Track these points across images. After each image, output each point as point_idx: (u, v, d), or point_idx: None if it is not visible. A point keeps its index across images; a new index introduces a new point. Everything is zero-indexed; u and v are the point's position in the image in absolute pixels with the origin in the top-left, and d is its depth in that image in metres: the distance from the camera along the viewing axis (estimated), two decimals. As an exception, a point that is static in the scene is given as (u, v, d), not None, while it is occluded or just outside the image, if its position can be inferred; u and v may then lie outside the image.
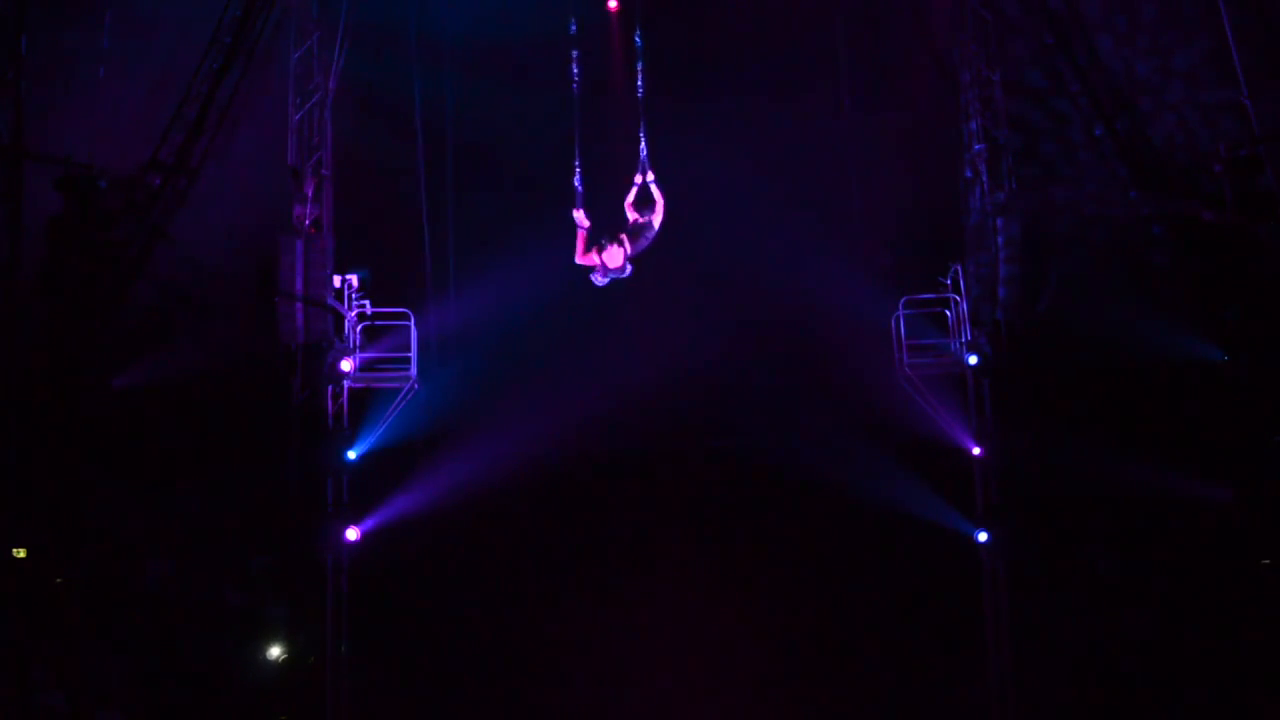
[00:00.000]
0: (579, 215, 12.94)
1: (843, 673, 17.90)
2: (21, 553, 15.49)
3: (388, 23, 18.26)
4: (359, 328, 17.73)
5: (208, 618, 17.13)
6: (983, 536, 17.37)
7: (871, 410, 18.04)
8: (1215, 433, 16.71)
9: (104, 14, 17.00)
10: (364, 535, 17.35)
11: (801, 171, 18.47)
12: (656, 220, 13.21)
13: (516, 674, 18.01)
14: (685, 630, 18.09)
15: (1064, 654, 16.92)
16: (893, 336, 17.62)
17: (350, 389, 17.66)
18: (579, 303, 14.84)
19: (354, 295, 17.68)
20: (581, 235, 12.92)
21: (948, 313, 17.83)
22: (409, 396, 17.65)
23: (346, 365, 17.34)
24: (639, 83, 14.14)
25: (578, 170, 13.32)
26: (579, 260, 13.04)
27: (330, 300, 17.16)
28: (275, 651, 16.90)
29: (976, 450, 17.48)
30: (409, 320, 17.69)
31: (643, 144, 13.44)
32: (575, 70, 14.21)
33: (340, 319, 17.48)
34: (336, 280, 17.41)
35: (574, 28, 14.41)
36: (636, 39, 14.37)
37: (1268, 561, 16.25)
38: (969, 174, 17.78)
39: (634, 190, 13.34)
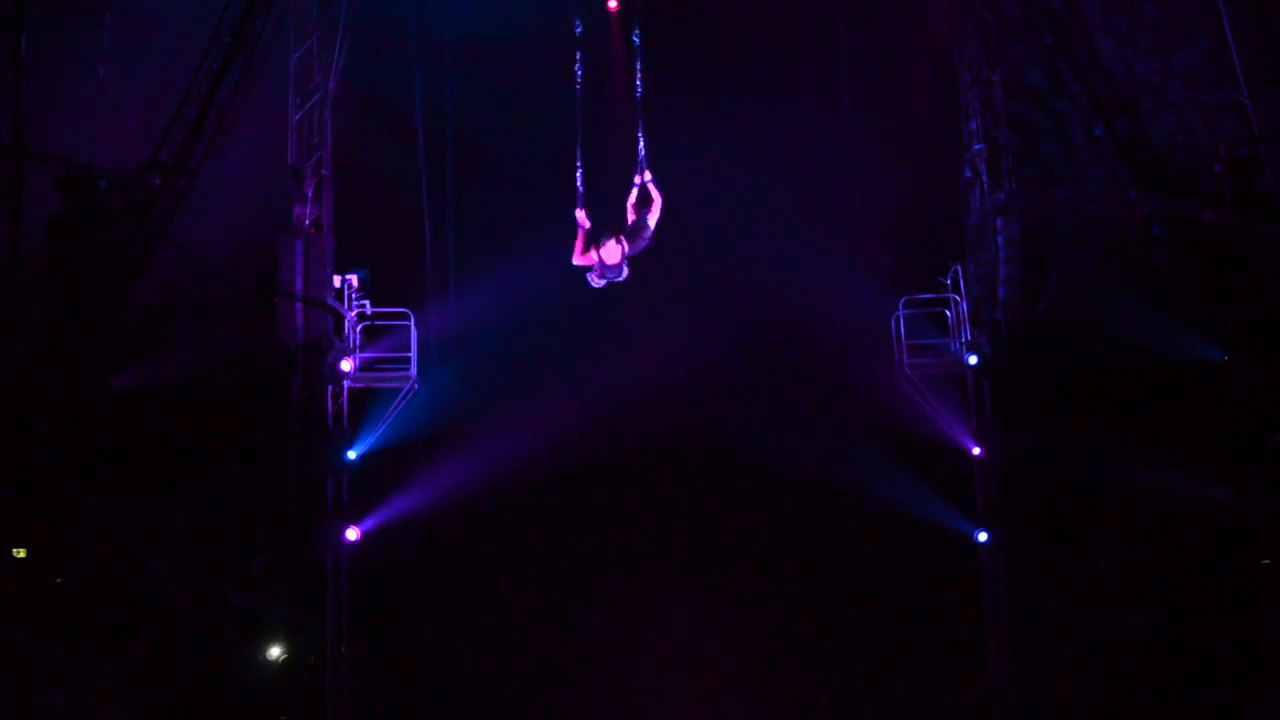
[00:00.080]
0: (580, 215, 12.96)
1: (843, 672, 17.90)
2: (21, 553, 15.49)
3: (388, 23, 18.25)
4: (359, 328, 17.74)
5: (208, 618, 17.13)
6: (983, 536, 17.37)
7: (871, 410, 18.04)
8: (1215, 433, 16.71)
9: (104, 14, 16.99)
10: (364, 535, 17.35)
11: (801, 171, 18.46)
12: (652, 220, 13.21)
13: (516, 674, 18.01)
14: (685, 629, 18.08)
15: (1064, 654, 16.92)
16: (893, 336, 17.62)
17: (350, 389, 17.66)
18: (579, 303, 14.83)
19: (354, 295, 17.69)
20: (581, 235, 12.93)
21: (948, 313, 17.83)
22: (409, 396, 17.65)
23: (346, 365, 17.34)
24: (638, 82, 14.14)
25: (579, 170, 13.33)
26: (576, 261, 13.05)
27: (330, 300, 17.16)
28: (275, 651, 16.91)
29: (976, 450, 17.48)
30: (409, 320, 17.69)
31: (641, 143, 13.44)
32: (579, 71, 14.20)
33: (340, 319, 17.48)
34: (336, 280, 17.41)
35: (579, 29, 14.40)
36: (636, 39, 14.37)
37: (1268, 561, 16.24)
38: (969, 174, 17.78)
39: (635, 190, 13.35)
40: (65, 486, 15.92)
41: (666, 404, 18.38)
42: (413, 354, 17.62)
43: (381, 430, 17.67)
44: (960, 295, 17.77)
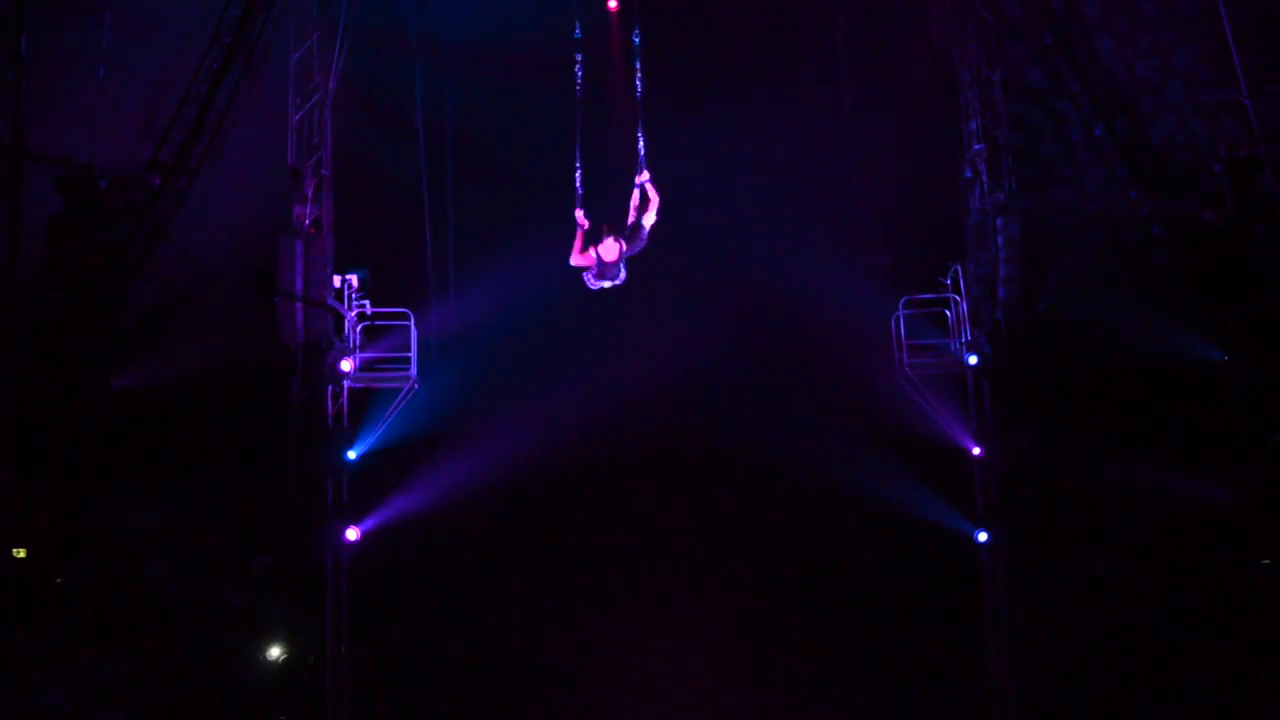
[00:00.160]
0: (579, 215, 12.98)
1: (843, 672, 17.90)
2: (21, 553, 15.49)
3: (388, 23, 18.26)
4: (359, 328, 17.74)
5: (208, 618, 17.13)
6: (983, 536, 17.36)
7: (871, 410, 18.03)
8: (1215, 433, 16.70)
9: (104, 14, 16.99)
10: (364, 535, 17.35)
11: (801, 171, 18.46)
12: (648, 220, 13.22)
13: (516, 674, 18.01)
14: (684, 629, 18.09)
15: (1064, 654, 16.92)
16: (893, 336, 17.62)
17: (350, 389, 17.66)
18: (579, 303, 14.84)
19: (354, 295, 17.69)
20: (580, 235, 12.94)
21: (948, 313, 17.83)
22: (409, 396, 17.65)
23: (346, 365, 17.34)
24: (638, 82, 14.14)
25: (578, 170, 13.35)
26: (574, 261, 13.08)
27: (330, 300, 17.17)
28: (275, 651, 16.91)
29: (976, 450, 17.48)
30: (409, 320, 17.68)
31: (641, 143, 13.45)
32: (579, 73, 14.20)
33: (340, 319, 17.48)
34: (336, 280, 17.42)
35: (579, 32, 14.41)
36: (636, 39, 14.37)
37: (1268, 561, 16.24)
38: (969, 174, 17.78)
39: (636, 191, 13.36)
40: (65, 486, 15.91)
41: (666, 404, 18.39)
42: (413, 354, 17.62)
43: (381, 430, 17.66)
44: (960, 295, 17.76)
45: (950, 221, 18.06)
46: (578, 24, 14.41)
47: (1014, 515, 17.13)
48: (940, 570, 17.85)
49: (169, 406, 17.37)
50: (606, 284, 13.22)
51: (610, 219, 13.29)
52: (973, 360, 17.44)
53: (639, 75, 14.20)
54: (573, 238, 13.06)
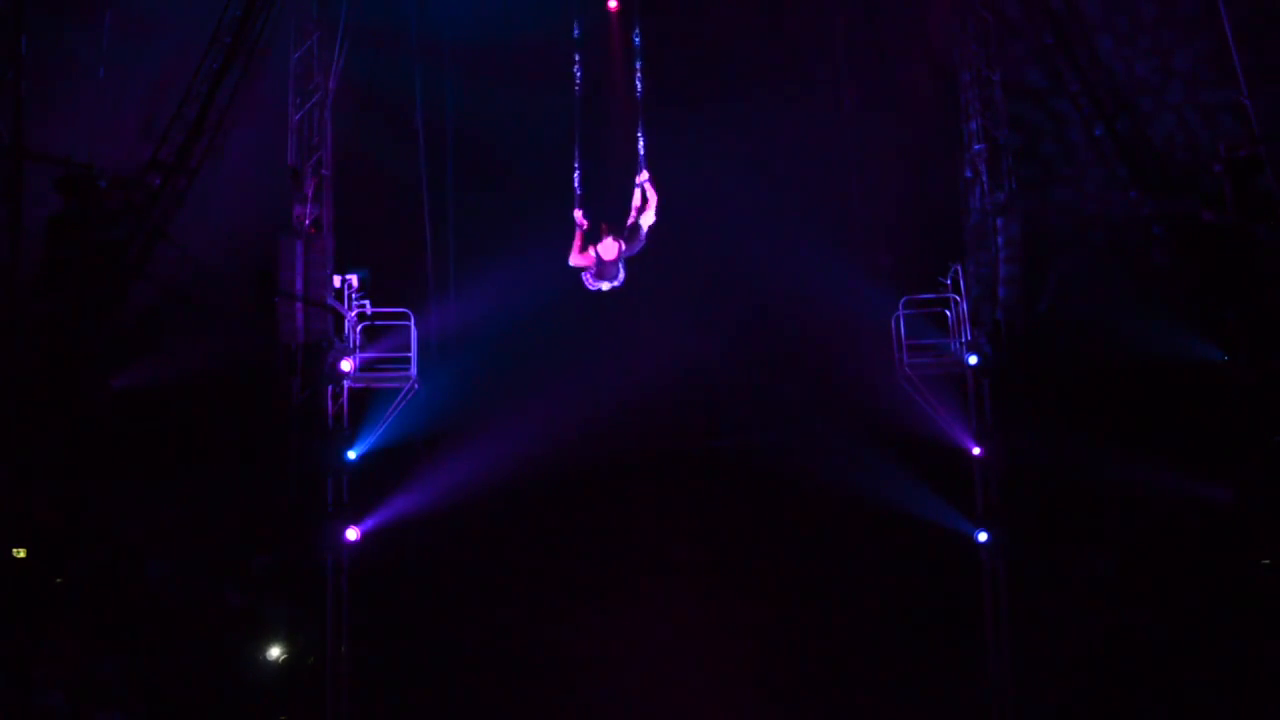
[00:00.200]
0: (578, 215, 13.00)
1: (843, 672, 17.90)
2: (21, 553, 15.49)
3: (388, 23, 18.27)
4: (359, 328, 17.73)
5: (208, 618, 17.13)
6: (983, 536, 17.36)
7: (871, 410, 18.04)
8: (1215, 433, 16.70)
9: (104, 14, 16.98)
10: (364, 535, 17.35)
11: (801, 171, 18.47)
12: (645, 220, 13.23)
13: (516, 674, 18.01)
14: (684, 629, 18.09)
15: (1064, 654, 16.92)
16: (893, 336, 17.61)
17: (350, 389, 17.66)
18: (579, 303, 14.85)
19: (354, 295, 17.68)
20: (579, 235, 12.96)
21: (948, 313, 17.83)
22: (409, 396, 17.65)
23: (346, 365, 17.34)
24: (638, 83, 14.15)
25: (577, 170, 13.36)
26: (573, 261, 13.10)
27: (330, 300, 17.17)
28: (275, 651, 16.91)
29: (976, 450, 17.47)
30: (409, 320, 17.68)
31: (641, 143, 13.46)
32: (578, 73, 14.22)
33: (340, 319, 17.48)
34: (336, 280, 17.42)
35: (577, 31, 14.42)
36: (636, 39, 14.38)
37: (1268, 561, 16.24)
38: (969, 174, 17.78)
39: (637, 191, 13.38)
40: (65, 486, 15.91)
41: (666, 404, 18.39)
42: (413, 354, 17.62)
43: (381, 430, 17.66)
44: (960, 295, 17.76)
45: (950, 221, 18.06)
46: (576, 24, 14.42)
47: (1014, 515, 17.13)
48: (940, 570, 17.85)
49: (169, 406, 17.37)
50: (605, 285, 13.23)
51: (609, 219, 13.30)
52: (973, 360, 17.43)
53: (639, 75, 14.20)
54: (572, 238, 13.06)
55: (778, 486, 18.42)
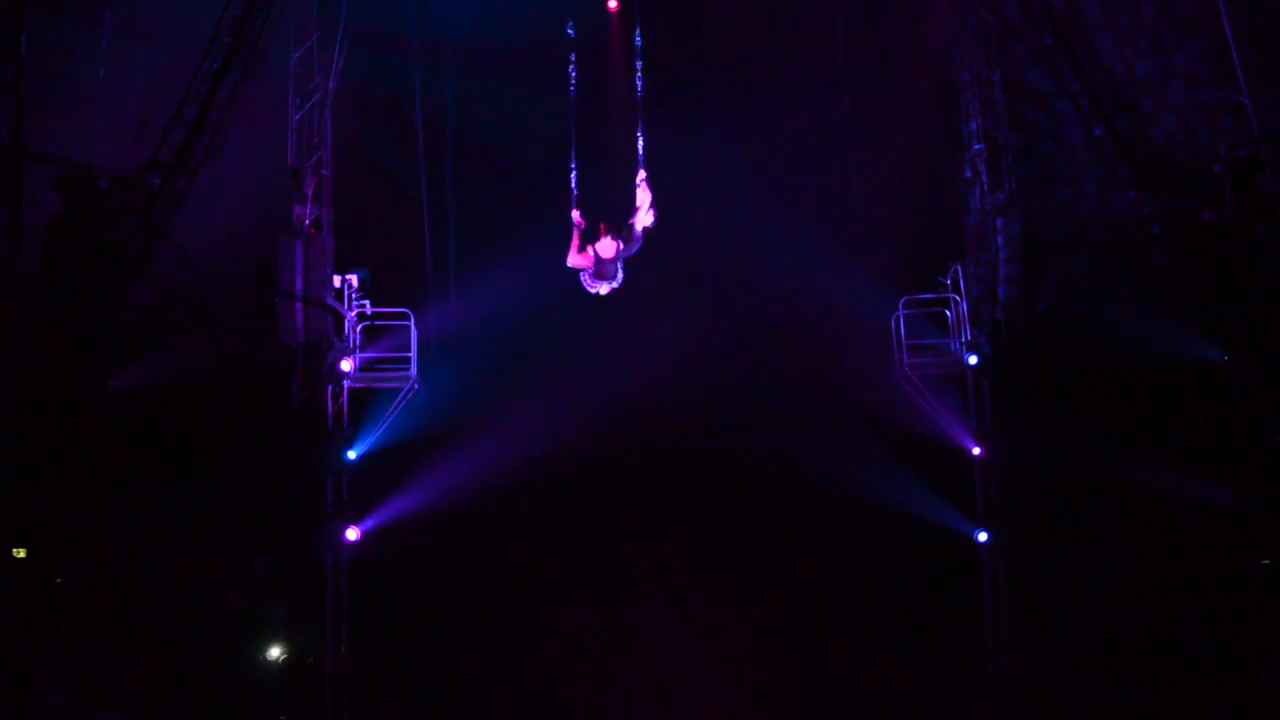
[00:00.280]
0: (576, 215, 13.02)
1: (843, 672, 17.90)
2: (21, 553, 15.49)
3: (388, 23, 18.24)
4: (359, 328, 17.73)
5: (208, 618, 17.13)
6: (983, 536, 17.37)
7: (871, 410, 18.03)
8: (1215, 433, 16.70)
9: (104, 14, 16.97)
10: (364, 535, 17.35)
11: (801, 171, 18.47)
12: (645, 221, 13.23)
13: (516, 674, 18.02)
14: (684, 629, 18.09)
15: (1064, 654, 16.92)
16: (893, 336, 17.62)
17: (350, 389, 17.66)
18: (579, 303, 14.84)
19: (354, 295, 17.68)
20: (576, 235, 12.97)
21: (948, 313, 17.83)
22: (409, 396, 17.65)
23: (346, 365, 17.34)
24: (638, 83, 14.16)
25: (573, 171, 13.38)
26: (571, 262, 13.13)
27: (330, 300, 17.17)
28: (275, 651, 16.91)
29: (976, 450, 17.48)
30: (409, 320, 17.68)
31: (640, 143, 13.47)
32: (573, 73, 14.24)
33: (340, 319, 17.48)
34: (336, 280, 17.42)
35: (571, 31, 14.44)
36: (636, 39, 14.38)
37: (1268, 561, 16.24)
38: (969, 174, 17.79)
39: (638, 191, 13.40)
40: (65, 486, 15.91)
41: (666, 404, 18.38)
42: (413, 354, 17.62)
43: (381, 430, 17.66)
44: (960, 295, 17.76)
45: (950, 221, 18.06)
46: (570, 24, 14.44)
47: (1014, 515, 17.12)
48: (940, 570, 17.85)
49: (169, 406, 17.36)
50: (604, 288, 13.24)
51: (608, 218, 13.31)
52: (973, 360, 17.43)
53: (639, 75, 14.21)
54: (570, 238, 13.08)
55: (778, 486, 18.42)
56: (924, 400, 17.50)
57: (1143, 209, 16.94)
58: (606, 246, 13.02)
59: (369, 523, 17.46)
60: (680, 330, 18.39)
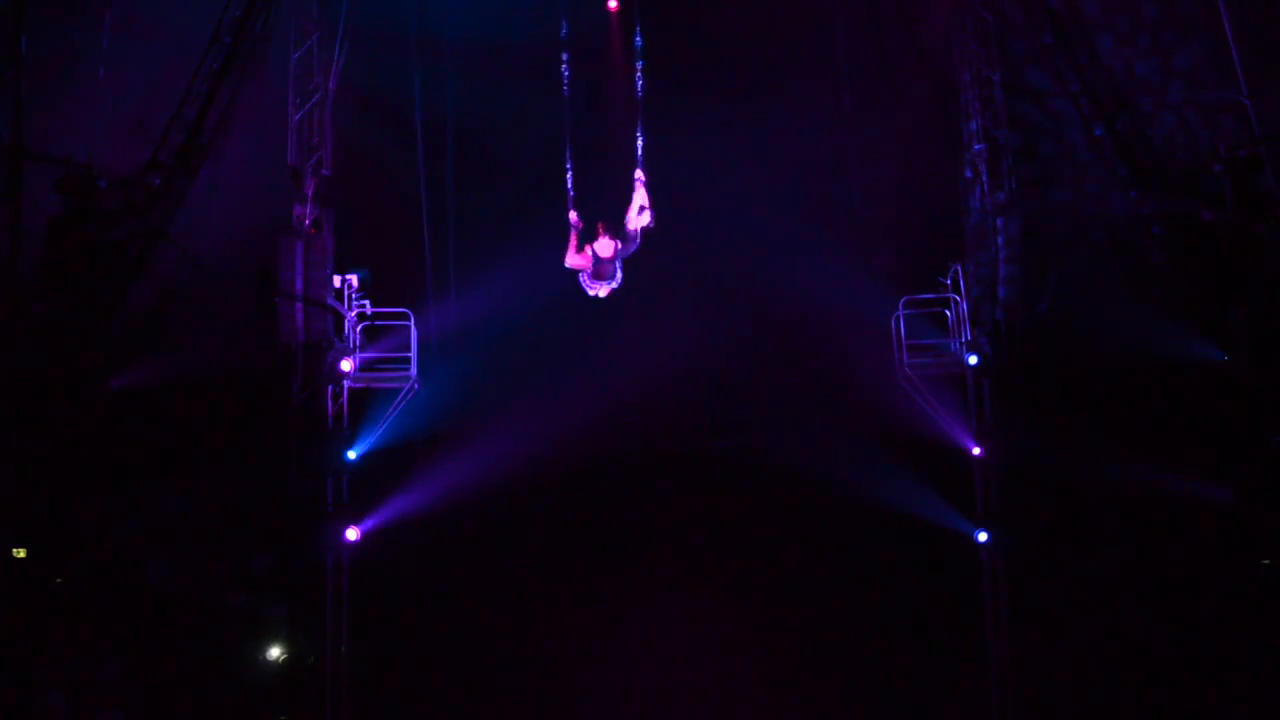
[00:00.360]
0: (573, 216, 13.03)
1: (843, 672, 17.90)
2: (21, 553, 15.49)
3: (388, 23, 18.25)
4: (359, 328, 17.73)
5: (208, 618, 17.13)
6: (983, 536, 17.37)
7: (871, 410, 18.03)
8: (1215, 433, 16.70)
9: (104, 14, 16.97)
10: (364, 535, 17.35)
11: (801, 171, 18.48)
12: (642, 221, 13.24)
13: (516, 674, 18.01)
14: (684, 629, 18.09)
15: (1064, 654, 16.92)
16: (893, 336, 17.62)
17: (350, 389, 17.65)
18: (579, 303, 14.85)
19: (354, 295, 17.68)
20: (574, 236, 12.99)
21: (948, 313, 17.83)
22: (409, 396, 17.65)
23: (346, 365, 17.34)
24: (638, 83, 14.16)
25: (569, 172, 13.40)
26: (569, 262, 13.14)
27: (330, 300, 17.16)
28: (275, 651, 16.91)
29: (976, 450, 17.47)
30: (409, 320, 17.68)
31: (639, 143, 13.48)
32: (565, 72, 14.26)
33: (340, 319, 17.48)
34: (336, 280, 17.41)
35: (565, 31, 14.45)
36: (637, 39, 14.39)
37: (1268, 561, 16.24)
38: (969, 174, 17.78)
39: (635, 190, 13.40)
40: (65, 486, 15.91)
41: (666, 404, 18.39)
42: (413, 354, 17.61)
43: (381, 430, 17.66)
44: (960, 295, 17.76)
45: (950, 221, 18.05)
46: (564, 23, 14.45)
47: (1014, 515, 17.12)
48: (940, 570, 17.85)
49: (169, 406, 17.36)
50: (604, 290, 13.24)
51: (605, 218, 13.32)
52: (973, 360, 17.43)
53: (639, 75, 14.21)
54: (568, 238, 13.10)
55: (778, 486, 18.43)
56: (924, 400, 17.50)
57: (1143, 209, 16.95)
58: (604, 246, 13.03)
59: (369, 523, 17.46)
60: (680, 330, 18.39)
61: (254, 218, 17.24)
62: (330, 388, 17.34)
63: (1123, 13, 17.62)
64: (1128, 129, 17.08)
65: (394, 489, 17.74)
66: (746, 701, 17.84)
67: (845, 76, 18.83)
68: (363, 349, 17.72)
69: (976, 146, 17.58)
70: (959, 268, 17.82)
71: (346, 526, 17.19)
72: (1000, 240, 17.11)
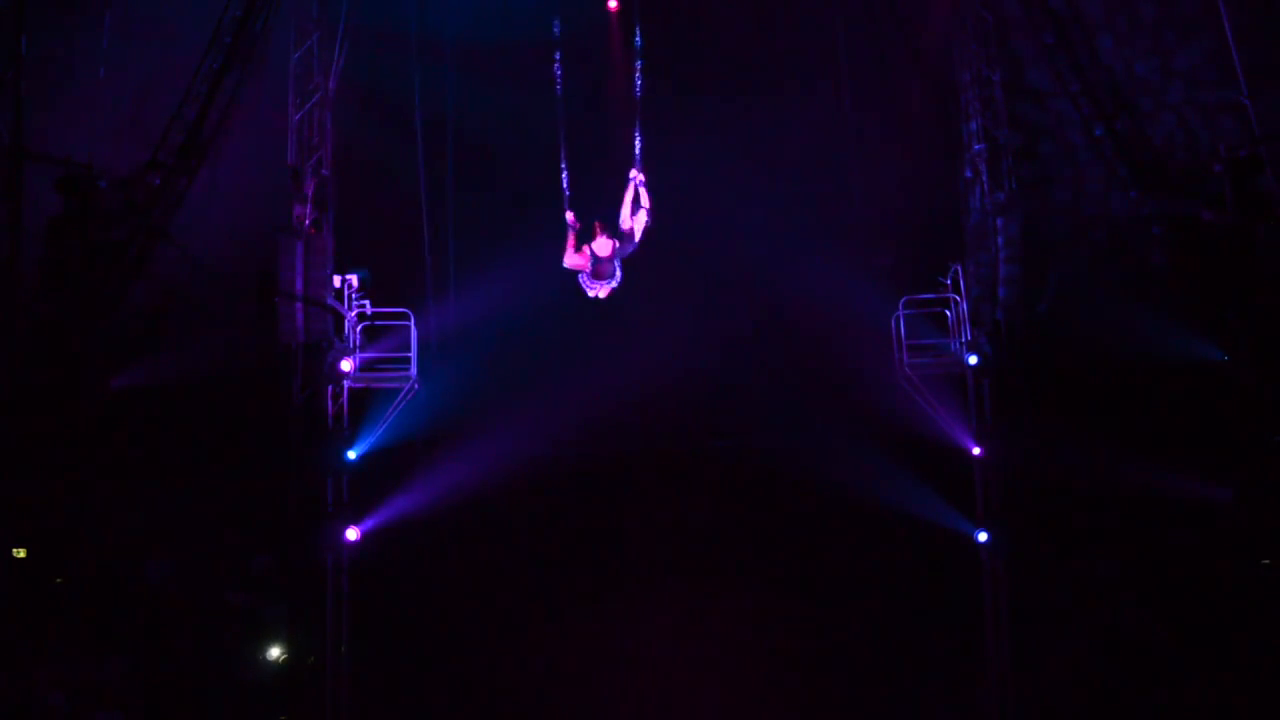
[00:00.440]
0: (570, 216, 13.03)
1: (843, 673, 17.90)
2: (21, 553, 15.49)
3: (388, 23, 18.25)
4: (359, 328, 17.73)
5: (208, 618, 17.13)
6: (983, 536, 17.37)
7: (871, 410, 18.03)
8: (1215, 433, 16.70)
9: (104, 14, 16.98)
10: (364, 535, 17.35)
11: (801, 171, 18.47)
12: (640, 221, 13.23)
13: (516, 674, 18.01)
14: (684, 629, 18.09)
15: (1064, 654, 16.91)
16: (893, 336, 17.62)
17: (350, 389, 17.66)
18: (579, 303, 14.83)
19: (354, 295, 17.68)
20: (571, 236, 12.98)
21: (948, 313, 17.83)
22: (409, 396, 17.64)
23: (346, 365, 17.34)
24: (637, 83, 14.16)
25: (564, 172, 13.41)
26: (567, 262, 13.13)
27: (330, 300, 17.16)
28: (275, 651, 16.91)
29: (976, 450, 17.48)
30: (409, 320, 17.68)
31: (638, 143, 13.48)
32: (558, 71, 14.27)
33: (340, 319, 17.48)
34: (336, 280, 17.41)
35: (557, 30, 14.45)
36: (637, 39, 14.39)
37: (1268, 561, 16.24)
38: (969, 174, 17.79)
39: (630, 188, 13.39)
40: (65, 486, 15.91)
41: (666, 404, 18.39)
42: (413, 354, 17.62)
43: (381, 430, 17.66)
44: (960, 295, 17.77)
45: (950, 221, 18.06)
46: (556, 23, 14.46)
47: (1014, 515, 17.12)
48: (940, 570, 17.85)
49: (169, 406, 17.36)
50: (603, 291, 13.22)
51: (603, 218, 13.32)
52: (973, 360, 17.43)
53: (639, 75, 14.21)
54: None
55: (778, 486, 18.44)
56: (924, 400, 17.50)
57: (1142, 209, 16.95)
58: (603, 245, 13.02)
59: (369, 523, 17.46)
60: (680, 330, 18.38)
61: (254, 218, 17.24)
62: (330, 388, 17.34)
63: (1123, 13, 17.64)
64: (1128, 129, 17.09)
65: (394, 489, 17.73)
66: (746, 701, 17.84)
67: (845, 76, 18.82)
68: (363, 349, 17.72)
69: (976, 146, 17.59)
70: (959, 268, 17.82)
71: (346, 526, 17.19)
72: (1000, 240, 17.11)
